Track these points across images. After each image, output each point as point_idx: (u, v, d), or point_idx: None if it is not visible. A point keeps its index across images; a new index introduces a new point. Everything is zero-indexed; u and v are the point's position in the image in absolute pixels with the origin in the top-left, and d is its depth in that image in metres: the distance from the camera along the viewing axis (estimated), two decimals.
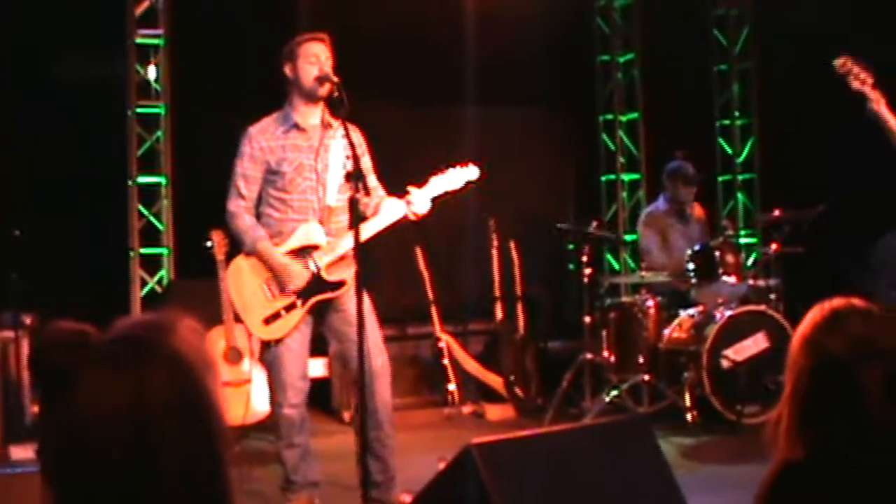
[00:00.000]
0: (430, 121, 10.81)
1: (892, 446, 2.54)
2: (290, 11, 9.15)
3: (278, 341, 6.10)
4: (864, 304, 2.67)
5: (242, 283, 6.15)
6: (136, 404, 1.84)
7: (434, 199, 6.27)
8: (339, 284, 6.11)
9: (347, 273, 6.07)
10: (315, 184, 6.12)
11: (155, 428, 1.84)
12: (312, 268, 6.10)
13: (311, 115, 6.18)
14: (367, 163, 6.29)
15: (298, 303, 6.10)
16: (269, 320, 6.09)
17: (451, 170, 6.32)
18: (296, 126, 6.14)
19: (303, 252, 6.12)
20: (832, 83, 11.03)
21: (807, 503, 2.59)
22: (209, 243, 8.02)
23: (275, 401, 6.22)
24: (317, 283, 6.13)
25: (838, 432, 2.56)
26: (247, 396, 7.76)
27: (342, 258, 6.10)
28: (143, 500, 1.83)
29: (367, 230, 6.03)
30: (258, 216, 6.18)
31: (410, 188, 6.23)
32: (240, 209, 6.15)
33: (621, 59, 12.39)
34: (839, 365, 2.55)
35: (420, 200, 6.20)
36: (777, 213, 9.31)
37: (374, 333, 6.10)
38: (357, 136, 6.18)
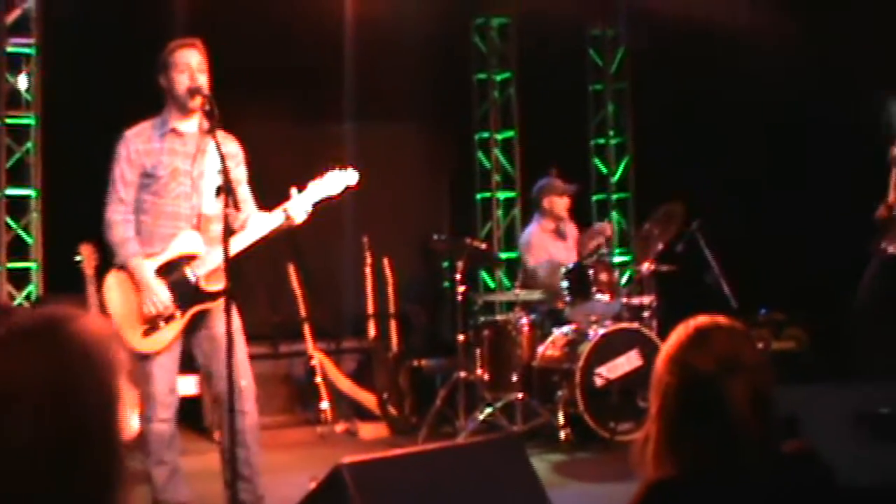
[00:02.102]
0: (306, 137, 10.71)
1: (760, 459, 2.57)
2: (167, 23, 9.02)
3: (149, 356, 5.97)
4: (727, 321, 2.71)
5: (121, 295, 6.01)
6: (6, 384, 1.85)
7: (314, 206, 6.19)
8: (218, 294, 5.99)
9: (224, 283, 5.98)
10: (189, 190, 6.02)
11: (23, 408, 1.84)
12: (191, 277, 5.98)
13: (188, 122, 6.07)
14: (240, 174, 6.20)
15: (178, 314, 5.98)
16: (148, 332, 5.96)
17: (329, 173, 6.24)
18: (173, 131, 6.04)
19: (181, 262, 6.00)
20: (705, 104, 11.24)
21: None
22: (78, 258, 7.84)
23: (144, 415, 6.08)
24: (196, 294, 6.01)
25: (708, 448, 2.58)
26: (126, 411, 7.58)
27: (220, 268, 5.99)
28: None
29: (237, 244, 5.93)
30: None
31: (292, 191, 6.13)
32: (118, 218, 6.00)
33: (498, 78, 12.44)
34: (706, 381, 2.59)
35: (300, 206, 6.12)
36: (647, 230, 9.40)
37: (241, 354, 6.00)
38: (233, 147, 6.11)
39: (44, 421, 1.85)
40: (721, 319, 2.73)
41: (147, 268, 5.95)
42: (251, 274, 10.12)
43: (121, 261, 6.01)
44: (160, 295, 5.94)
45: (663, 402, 2.66)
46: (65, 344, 1.92)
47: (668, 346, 2.71)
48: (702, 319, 2.72)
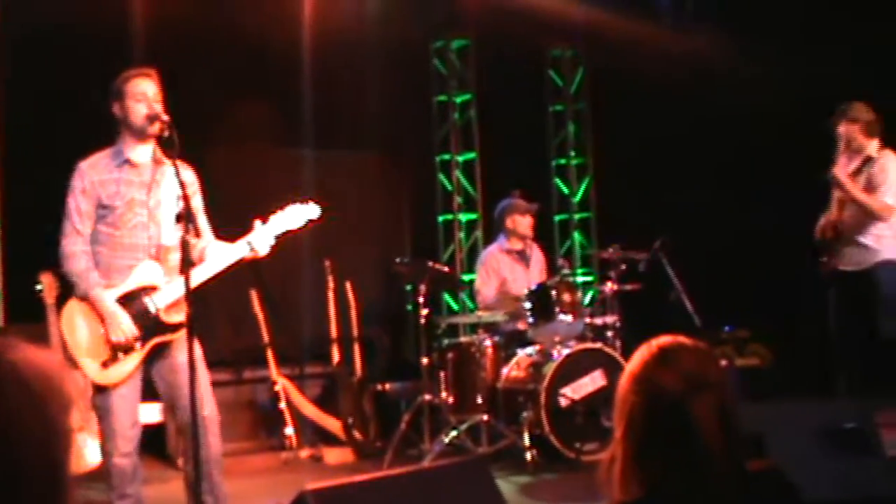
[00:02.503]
0: (267, 162, 10.71)
1: (726, 477, 2.56)
2: (127, 50, 8.97)
3: (111, 387, 5.90)
4: (690, 340, 2.71)
5: (79, 326, 5.93)
6: None
7: (277, 238, 6.16)
8: (178, 326, 5.94)
9: (184, 315, 5.92)
10: (147, 220, 5.96)
11: None
12: (151, 309, 5.92)
13: (143, 152, 6.01)
14: (198, 203, 6.16)
15: (137, 345, 5.91)
16: (107, 363, 5.89)
17: (291, 206, 6.22)
18: (127, 162, 5.97)
19: (140, 293, 5.94)
20: (665, 124, 11.29)
21: None
22: (39, 286, 7.77)
23: (105, 450, 6.01)
24: (156, 325, 5.95)
25: (676, 467, 2.57)
26: (78, 445, 7.51)
27: (180, 300, 5.94)
28: None
29: (199, 275, 5.89)
30: None
31: (256, 223, 6.10)
32: (76, 250, 5.93)
33: (458, 100, 12.45)
34: (672, 400, 2.58)
35: (262, 239, 6.08)
36: (611, 251, 9.44)
37: (204, 381, 5.95)
38: (190, 175, 6.06)
39: None
40: (684, 338, 2.72)
41: (109, 297, 5.90)
42: (213, 299, 10.08)
43: (82, 292, 5.94)
44: (125, 323, 5.88)
45: (629, 423, 2.65)
46: (2, 376, 1.86)
47: (632, 366, 2.71)
48: (665, 339, 2.72)
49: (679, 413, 2.58)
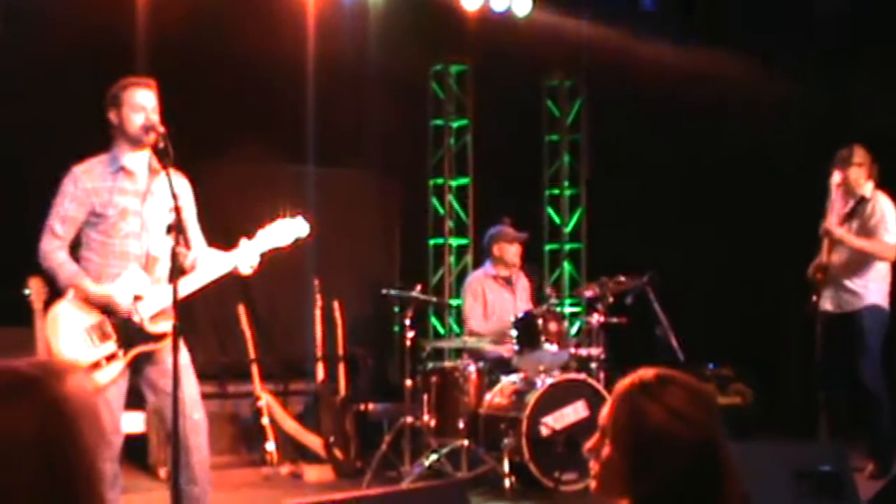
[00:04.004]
0: (262, 179, 10.74)
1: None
2: (127, 61, 8.98)
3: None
4: (679, 374, 2.72)
5: (62, 331, 5.91)
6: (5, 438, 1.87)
7: (264, 254, 6.17)
8: (162, 336, 5.95)
9: (170, 325, 5.93)
10: (139, 230, 5.97)
11: (17, 465, 1.86)
12: (136, 318, 5.92)
13: (138, 160, 6.01)
14: (191, 213, 6.18)
15: (120, 353, 5.90)
16: (90, 369, 5.89)
17: (279, 221, 6.22)
18: (122, 169, 5.97)
19: None
20: (660, 157, 11.35)
21: None
22: (27, 291, 7.77)
23: None
24: (139, 334, 5.95)
25: (646, 497, 2.60)
26: None
27: (165, 310, 5.95)
28: None
29: (187, 286, 5.90)
30: (78, 259, 5.99)
31: (242, 240, 6.12)
32: (51, 247, 5.93)
33: (454, 125, 12.48)
34: (653, 431, 2.60)
35: (248, 255, 6.09)
36: (589, 292, 9.47)
37: (192, 388, 5.95)
38: (183, 186, 6.06)
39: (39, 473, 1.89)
40: (673, 373, 2.73)
41: (91, 282, 5.88)
42: (200, 313, 10.10)
43: (64, 282, 5.92)
44: (119, 293, 5.86)
45: (622, 440, 2.68)
46: (57, 401, 1.94)
47: (626, 383, 2.73)
48: (653, 371, 2.73)
49: (659, 447, 2.61)
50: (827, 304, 8.64)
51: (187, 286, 5.90)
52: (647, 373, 2.71)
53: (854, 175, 8.47)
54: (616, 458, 2.67)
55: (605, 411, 2.75)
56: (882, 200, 8.47)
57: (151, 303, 5.94)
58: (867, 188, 8.48)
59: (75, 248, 6.02)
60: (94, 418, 2.00)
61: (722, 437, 2.67)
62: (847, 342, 8.51)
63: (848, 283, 8.51)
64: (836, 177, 8.56)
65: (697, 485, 2.60)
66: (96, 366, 5.86)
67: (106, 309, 5.89)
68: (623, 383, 2.73)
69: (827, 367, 8.69)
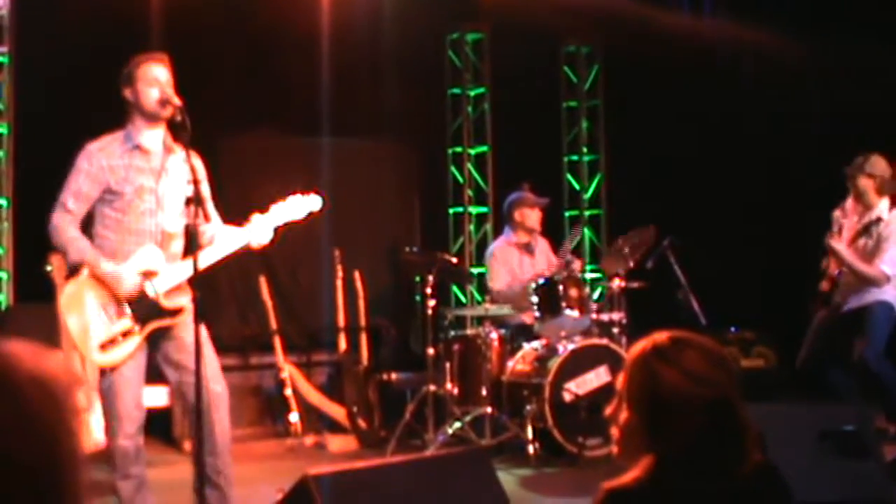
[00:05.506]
0: (281, 151, 10.74)
1: (714, 471, 2.60)
2: (142, 34, 8.98)
3: (113, 369, 5.92)
4: (693, 335, 2.73)
5: (78, 308, 5.92)
6: None
7: (277, 228, 6.17)
8: (177, 311, 5.96)
9: (185, 300, 5.94)
10: (155, 207, 5.97)
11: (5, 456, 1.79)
12: (151, 293, 5.93)
13: (154, 137, 6.00)
14: (205, 189, 6.17)
15: (136, 328, 5.91)
16: (105, 346, 5.89)
17: (292, 197, 6.22)
18: (138, 147, 5.97)
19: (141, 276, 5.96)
20: (678, 121, 11.31)
21: None
22: (49, 267, 7.80)
23: (109, 431, 6.03)
24: (155, 309, 5.96)
25: (665, 457, 2.61)
26: (85, 426, 7.55)
27: (180, 285, 5.96)
28: None
29: (204, 259, 5.90)
30: (92, 237, 5.99)
31: (254, 216, 6.12)
32: (64, 222, 5.93)
33: (472, 93, 12.47)
34: (669, 394, 2.61)
35: (261, 230, 6.09)
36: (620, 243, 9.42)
37: (212, 362, 5.96)
38: (197, 162, 6.05)
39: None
40: (688, 334, 2.75)
41: (103, 259, 5.89)
42: (222, 286, 10.14)
43: (75, 258, 5.93)
44: (127, 276, 5.87)
45: (634, 402, 2.70)
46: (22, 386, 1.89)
47: (640, 348, 2.74)
48: (668, 333, 2.74)
49: (680, 404, 2.63)
50: (839, 298, 8.56)
51: (205, 259, 5.89)
52: (660, 336, 2.73)
53: (862, 184, 8.40)
54: (634, 422, 2.69)
55: (620, 377, 2.76)
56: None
57: (166, 279, 5.94)
58: (882, 206, 8.35)
59: (89, 226, 6.02)
60: (58, 385, 1.89)
61: (738, 395, 2.67)
62: (853, 333, 8.42)
63: (860, 286, 8.43)
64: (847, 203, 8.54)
65: (715, 443, 2.61)
66: (113, 342, 5.87)
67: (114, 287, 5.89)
68: (637, 348, 2.75)
69: (819, 354, 8.61)
